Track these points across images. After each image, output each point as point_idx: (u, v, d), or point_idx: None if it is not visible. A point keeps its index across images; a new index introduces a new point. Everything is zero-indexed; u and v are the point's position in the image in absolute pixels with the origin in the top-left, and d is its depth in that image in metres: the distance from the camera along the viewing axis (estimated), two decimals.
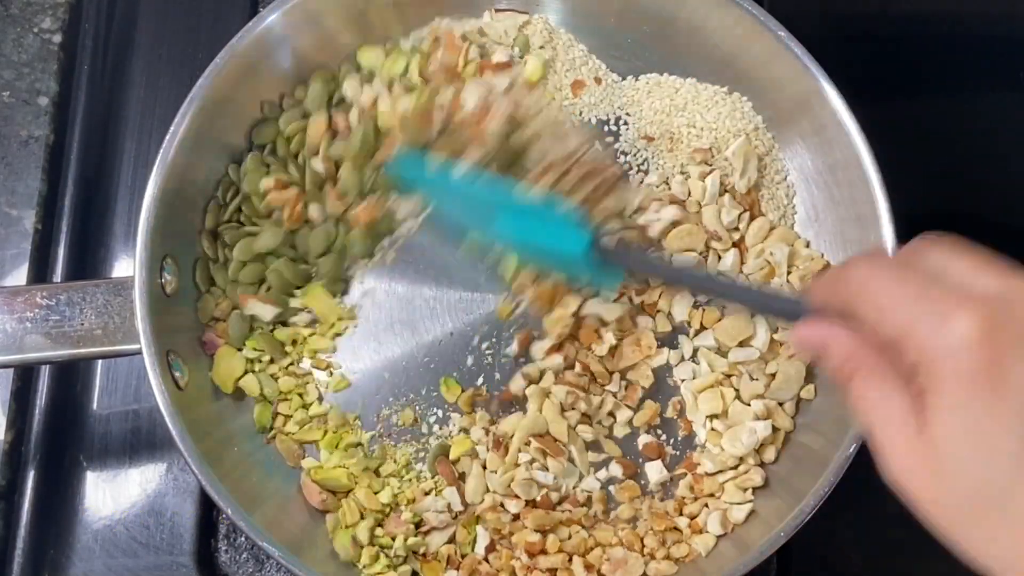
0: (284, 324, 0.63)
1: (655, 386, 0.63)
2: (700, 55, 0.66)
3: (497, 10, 0.68)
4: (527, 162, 0.62)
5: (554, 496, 0.60)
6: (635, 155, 0.67)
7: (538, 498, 0.60)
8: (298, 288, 0.63)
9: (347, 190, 0.62)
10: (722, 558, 0.59)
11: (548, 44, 0.67)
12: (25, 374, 0.65)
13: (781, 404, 0.62)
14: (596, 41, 0.68)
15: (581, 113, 0.67)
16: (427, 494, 0.61)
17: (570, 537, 0.59)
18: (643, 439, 0.63)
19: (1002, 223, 0.72)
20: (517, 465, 0.60)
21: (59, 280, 0.67)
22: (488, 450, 0.61)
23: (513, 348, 0.63)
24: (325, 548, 0.59)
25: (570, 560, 0.59)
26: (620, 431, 0.63)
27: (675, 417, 0.63)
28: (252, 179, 0.63)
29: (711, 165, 0.65)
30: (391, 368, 0.63)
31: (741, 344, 0.62)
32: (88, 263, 0.68)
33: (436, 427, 0.62)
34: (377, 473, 0.61)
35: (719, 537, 0.60)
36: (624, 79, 0.68)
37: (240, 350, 0.61)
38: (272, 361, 0.62)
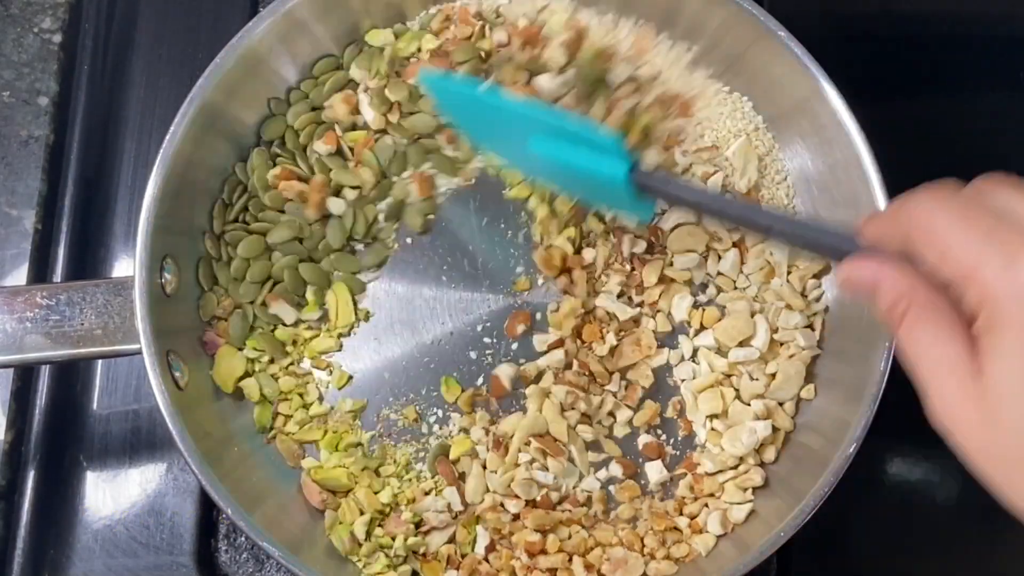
0: (285, 324, 0.63)
1: (655, 386, 0.63)
2: (700, 55, 0.66)
3: None
4: (605, 88, 0.61)
5: (554, 496, 0.60)
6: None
7: (538, 498, 0.60)
8: (309, 287, 0.63)
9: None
10: (722, 558, 0.59)
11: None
12: (25, 374, 0.65)
13: (781, 404, 0.62)
14: None
15: None
16: (427, 494, 0.61)
17: (570, 537, 0.59)
18: (643, 439, 0.63)
19: None
20: (517, 465, 0.60)
21: (59, 280, 0.67)
22: (488, 450, 0.61)
23: (507, 326, 0.63)
24: (325, 548, 0.59)
25: (570, 560, 0.59)
26: (620, 431, 0.63)
27: (675, 417, 0.63)
28: (260, 173, 0.63)
29: (716, 166, 0.65)
30: (391, 368, 0.63)
31: (741, 344, 0.62)
32: (88, 263, 0.68)
33: (436, 427, 0.62)
34: (377, 473, 0.61)
35: (719, 537, 0.60)
36: None
37: (241, 350, 0.61)
38: (272, 361, 0.62)
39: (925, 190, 0.37)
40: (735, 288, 0.65)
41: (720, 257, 0.65)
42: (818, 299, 0.63)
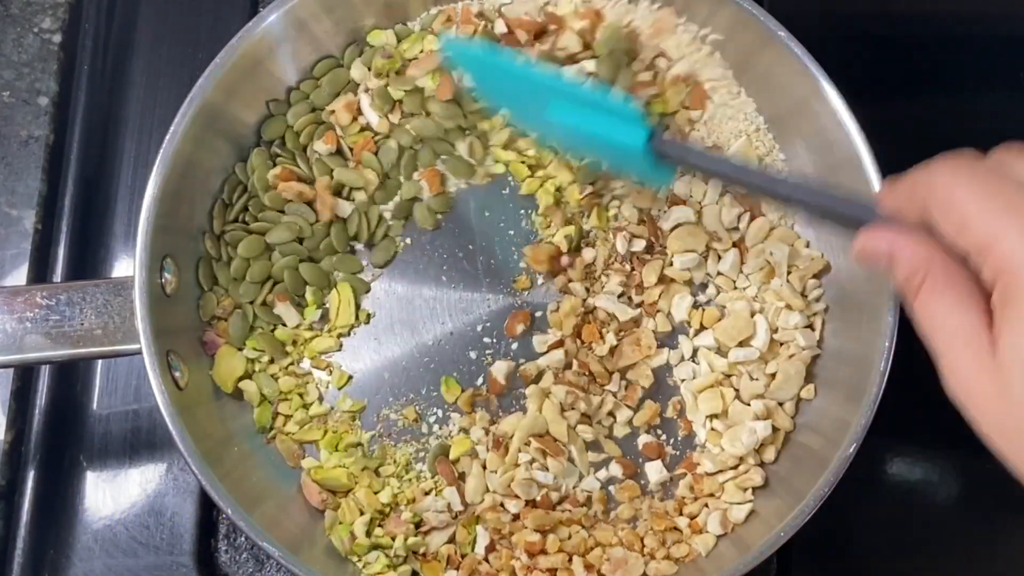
0: (287, 325, 0.63)
1: (655, 386, 0.63)
2: (700, 54, 0.67)
3: None
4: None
5: (554, 496, 0.60)
6: None
7: (538, 498, 0.60)
8: (309, 287, 0.63)
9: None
10: (722, 558, 0.59)
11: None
12: (25, 374, 0.65)
13: (781, 404, 0.62)
14: None
15: None
16: (427, 494, 0.61)
17: (570, 537, 0.59)
18: (643, 439, 0.63)
19: None
20: (517, 465, 0.60)
21: (59, 280, 0.67)
22: (488, 450, 0.61)
23: (507, 325, 0.63)
24: (325, 548, 0.59)
25: (570, 560, 0.59)
26: (620, 431, 0.63)
27: (675, 417, 0.63)
28: (260, 174, 0.63)
29: None
30: (391, 368, 0.63)
31: (741, 344, 0.62)
32: (88, 263, 0.68)
33: (436, 427, 0.62)
34: (377, 473, 0.61)
35: (719, 537, 0.60)
36: None
37: (241, 350, 0.62)
38: (272, 361, 0.62)
39: (944, 160, 0.37)
40: (735, 288, 0.65)
41: (720, 257, 0.65)
42: (818, 299, 0.63)
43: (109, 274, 0.68)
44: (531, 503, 0.60)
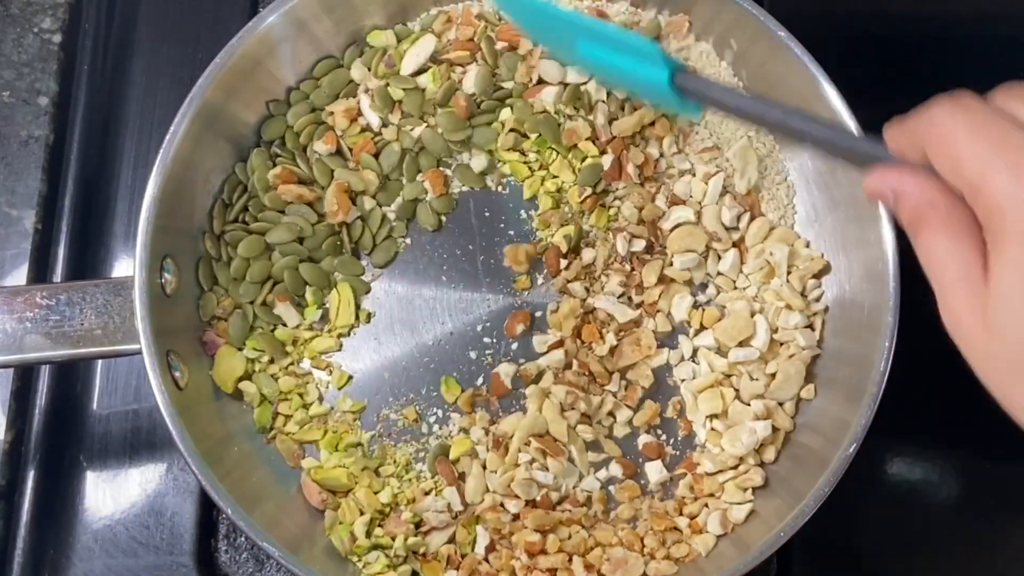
0: (287, 325, 0.63)
1: (655, 386, 0.63)
2: (701, 54, 0.67)
3: None
4: None
5: (554, 496, 0.60)
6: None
7: (538, 498, 0.60)
8: (309, 288, 0.63)
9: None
10: (722, 558, 0.59)
11: None
12: (25, 374, 0.65)
13: (781, 404, 0.62)
14: None
15: None
16: (427, 494, 0.61)
17: (570, 537, 0.59)
18: (643, 439, 0.63)
19: None
20: (517, 465, 0.60)
21: (59, 280, 0.67)
22: (488, 450, 0.61)
23: (507, 325, 0.63)
24: (325, 548, 0.59)
25: (570, 560, 0.59)
26: (620, 431, 0.63)
27: (675, 417, 0.63)
28: (260, 174, 0.63)
29: (717, 166, 0.65)
30: (391, 368, 0.63)
31: (741, 344, 0.62)
32: (88, 263, 0.68)
33: (436, 427, 0.62)
34: (377, 473, 0.61)
35: (719, 537, 0.60)
36: None
37: (241, 350, 0.62)
38: (272, 361, 0.62)
39: (942, 100, 0.38)
40: (735, 288, 0.65)
41: (720, 257, 0.65)
42: (818, 299, 0.63)
43: (109, 274, 0.68)
44: (531, 503, 0.60)
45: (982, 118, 0.36)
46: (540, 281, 0.65)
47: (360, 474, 0.60)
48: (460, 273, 0.65)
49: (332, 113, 0.65)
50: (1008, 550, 0.66)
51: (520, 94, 0.64)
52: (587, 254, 0.64)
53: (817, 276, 0.64)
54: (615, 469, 0.62)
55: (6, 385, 0.64)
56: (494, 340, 0.64)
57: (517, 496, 0.60)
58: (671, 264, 0.64)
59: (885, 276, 0.58)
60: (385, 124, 0.65)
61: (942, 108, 0.37)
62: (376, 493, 0.60)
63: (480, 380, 0.63)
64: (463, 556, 0.60)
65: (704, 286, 0.65)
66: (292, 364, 0.63)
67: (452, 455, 0.61)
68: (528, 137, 0.65)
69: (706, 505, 0.61)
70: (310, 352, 0.63)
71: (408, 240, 0.65)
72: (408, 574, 0.58)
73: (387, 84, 0.65)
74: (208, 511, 0.64)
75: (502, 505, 0.60)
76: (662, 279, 0.64)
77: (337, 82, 0.65)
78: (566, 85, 0.64)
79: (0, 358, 0.55)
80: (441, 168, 0.65)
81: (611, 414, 0.63)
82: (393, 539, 0.58)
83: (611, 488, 0.62)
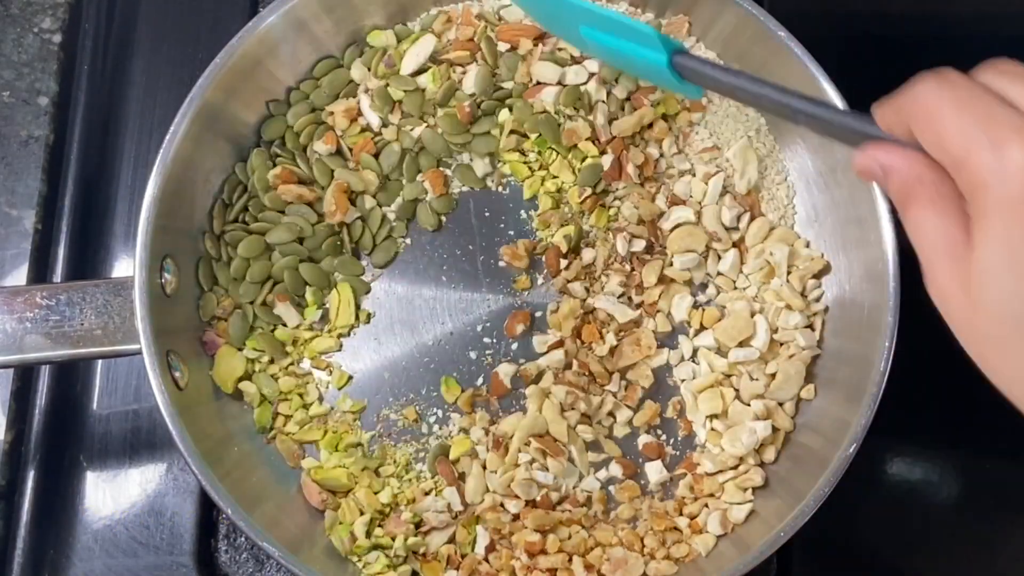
0: (287, 325, 0.63)
1: (655, 386, 0.63)
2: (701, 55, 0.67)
3: None
4: None
5: (554, 496, 0.60)
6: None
7: (538, 498, 0.60)
8: (309, 288, 0.63)
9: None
10: (722, 558, 0.59)
11: None
12: (25, 374, 0.65)
13: (781, 404, 0.62)
14: None
15: None
16: (427, 494, 0.61)
17: (570, 537, 0.59)
18: (643, 439, 0.63)
19: None
20: (517, 465, 0.60)
21: (59, 280, 0.67)
22: (488, 450, 0.61)
23: (507, 326, 0.63)
24: (325, 548, 0.59)
25: (570, 560, 0.59)
26: (620, 431, 0.63)
27: (675, 417, 0.63)
28: (260, 174, 0.63)
29: (718, 166, 0.65)
30: (391, 368, 0.63)
31: (741, 344, 0.62)
32: (88, 263, 0.68)
33: (436, 427, 0.62)
34: (377, 473, 0.61)
35: (719, 537, 0.60)
36: None
37: (241, 350, 0.62)
38: (272, 361, 0.62)
39: (927, 77, 0.38)
40: (735, 288, 0.65)
41: (720, 257, 0.65)
42: (818, 299, 0.63)
43: (109, 274, 0.68)
44: (531, 503, 0.60)
45: (966, 94, 0.36)
46: (540, 281, 0.65)
47: (360, 474, 0.60)
48: (460, 273, 0.65)
49: (332, 113, 0.65)
50: (1008, 550, 0.66)
51: (520, 94, 0.64)
52: (587, 254, 0.64)
53: (817, 276, 0.64)
54: (615, 469, 0.62)
55: (6, 385, 0.64)
56: (494, 340, 0.64)
57: (517, 496, 0.60)
58: (671, 264, 0.64)
59: (885, 276, 0.58)
60: (385, 124, 0.65)
61: (927, 84, 0.38)
62: (376, 493, 0.60)
63: (480, 380, 0.63)
64: (463, 556, 0.60)
65: (704, 286, 0.65)
66: (292, 364, 0.63)
67: (452, 455, 0.61)
68: (528, 137, 0.65)
69: (706, 505, 0.61)
70: (310, 352, 0.63)
71: (408, 240, 0.65)
72: (408, 574, 0.58)
73: (387, 84, 0.65)
74: (208, 511, 0.64)
75: (502, 505, 0.60)
76: (662, 279, 0.64)
77: (337, 82, 0.65)
78: (564, 86, 0.64)
79: (0, 358, 0.55)
80: (441, 168, 0.65)
81: (611, 414, 0.63)
82: (393, 539, 0.58)
83: (611, 488, 0.62)
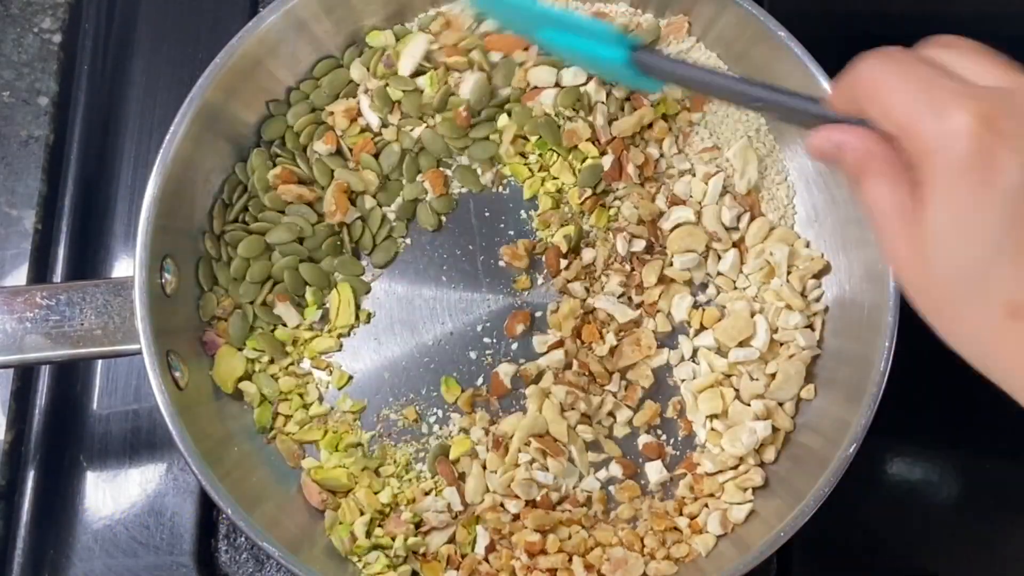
0: (287, 325, 0.63)
1: (655, 386, 0.63)
2: (701, 55, 0.67)
3: None
4: None
5: (554, 496, 0.60)
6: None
7: (538, 498, 0.60)
8: (309, 288, 0.63)
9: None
10: (722, 558, 0.59)
11: None
12: (25, 374, 0.65)
13: (781, 404, 0.62)
14: None
15: None
16: (427, 494, 0.61)
17: (570, 537, 0.59)
18: (643, 439, 0.63)
19: None
20: (517, 465, 0.60)
21: (59, 280, 0.67)
22: (488, 450, 0.61)
23: (507, 325, 0.63)
24: (325, 548, 0.59)
25: (570, 560, 0.59)
26: (620, 431, 0.63)
27: (675, 417, 0.63)
28: (260, 174, 0.63)
29: (718, 166, 0.65)
30: (391, 368, 0.63)
31: (741, 344, 0.62)
32: (88, 263, 0.68)
33: (436, 427, 0.62)
34: (377, 473, 0.61)
35: (719, 537, 0.60)
36: None
37: (241, 350, 0.62)
38: (272, 361, 0.62)
39: (871, 54, 0.39)
40: (735, 288, 0.65)
41: (720, 257, 0.65)
42: (818, 299, 0.63)
43: (109, 274, 0.68)
44: (531, 503, 0.60)
45: (908, 67, 0.38)
46: (540, 281, 0.65)
47: (360, 474, 0.60)
48: (460, 273, 0.65)
49: (332, 113, 0.65)
50: (1008, 550, 0.66)
51: (518, 99, 0.64)
52: (587, 254, 0.64)
53: (817, 276, 0.64)
54: (615, 469, 0.62)
55: (6, 385, 0.64)
56: (494, 340, 0.64)
57: (517, 496, 0.60)
58: (671, 264, 0.64)
59: (885, 276, 0.58)
60: (385, 124, 0.65)
61: (870, 61, 0.39)
62: (376, 493, 0.60)
63: (480, 380, 0.63)
64: (463, 556, 0.60)
65: (704, 286, 0.65)
66: (292, 364, 0.63)
67: (452, 455, 0.61)
68: (528, 140, 0.65)
69: (706, 505, 0.61)
70: (310, 352, 0.63)
71: (408, 240, 0.65)
72: (408, 574, 0.58)
73: (386, 84, 0.65)
74: (208, 511, 0.64)
75: (502, 505, 0.60)
76: (662, 279, 0.64)
77: (337, 82, 0.65)
78: (561, 87, 0.64)
79: (0, 358, 0.55)
80: (441, 168, 0.65)
81: (611, 414, 0.63)
82: (393, 539, 0.58)
83: (611, 488, 0.62)
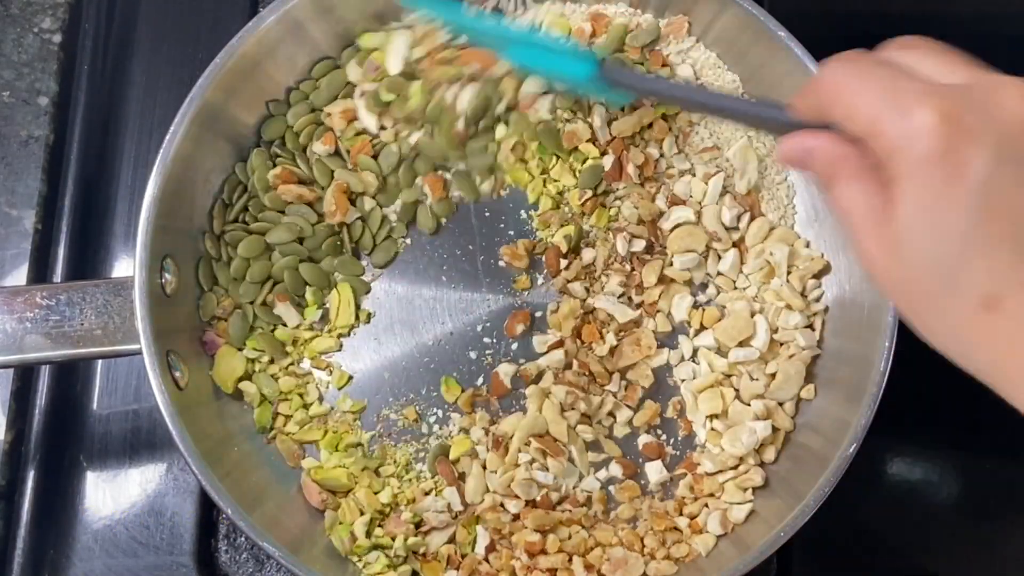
0: (287, 325, 0.63)
1: (655, 386, 0.63)
2: (700, 55, 0.67)
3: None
4: None
5: (554, 496, 0.60)
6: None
7: (538, 498, 0.60)
8: (309, 288, 0.63)
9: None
10: (722, 558, 0.59)
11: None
12: (25, 374, 0.65)
13: (781, 404, 0.62)
14: None
15: None
16: (427, 494, 0.61)
17: (570, 537, 0.59)
18: (643, 439, 0.63)
19: None
20: (517, 465, 0.60)
21: (59, 280, 0.67)
22: (488, 450, 0.61)
23: (507, 325, 0.63)
24: (325, 548, 0.59)
25: (570, 560, 0.59)
26: (620, 431, 0.63)
27: (675, 417, 0.63)
28: (260, 174, 0.63)
29: (717, 166, 0.65)
30: (391, 368, 0.63)
31: (741, 344, 0.62)
32: (88, 263, 0.68)
33: (436, 427, 0.62)
34: (377, 473, 0.61)
35: (719, 537, 0.60)
36: None
37: (241, 350, 0.62)
38: (272, 361, 0.62)
39: (832, 59, 0.40)
40: (735, 288, 0.65)
41: (720, 257, 0.65)
42: (818, 299, 0.63)
43: (109, 274, 0.68)
44: (531, 503, 0.60)
45: (869, 69, 0.38)
46: (540, 281, 0.65)
47: (360, 474, 0.60)
48: (460, 273, 0.65)
49: (330, 114, 0.65)
50: (1008, 550, 0.66)
51: (514, 108, 0.64)
52: (587, 254, 0.64)
53: (817, 276, 0.64)
54: (615, 469, 0.62)
55: (6, 385, 0.64)
56: (494, 340, 0.64)
57: (517, 496, 0.60)
58: (671, 264, 0.64)
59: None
60: (382, 127, 0.65)
61: (831, 66, 0.40)
62: (376, 493, 0.60)
63: (480, 380, 0.63)
64: (463, 556, 0.60)
65: (704, 286, 0.65)
66: (292, 364, 0.63)
67: (452, 455, 0.61)
68: (528, 146, 0.65)
69: (706, 505, 0.61)
70: (310, 352, 0.63)
71: (408, 240, 0.65)
72: (408, 574, 0.58)
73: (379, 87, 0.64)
74: (208, 511, 0.64)
75: (502, 505, 0.60)
76: (662, 279, 0.64)
77: (335, 83, 0.65)
78: (555, 92, 0.64)
79: (0, 358, 0.55)
80: (440, 172, 0.65)
81: (611, 414, 0.63)
82: (393, 539, 0.58)
83: (611, 488, 0.62)
